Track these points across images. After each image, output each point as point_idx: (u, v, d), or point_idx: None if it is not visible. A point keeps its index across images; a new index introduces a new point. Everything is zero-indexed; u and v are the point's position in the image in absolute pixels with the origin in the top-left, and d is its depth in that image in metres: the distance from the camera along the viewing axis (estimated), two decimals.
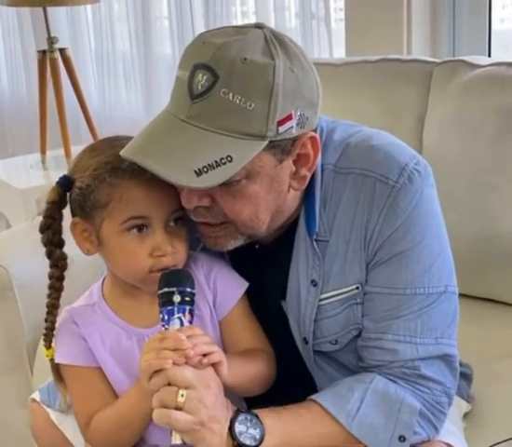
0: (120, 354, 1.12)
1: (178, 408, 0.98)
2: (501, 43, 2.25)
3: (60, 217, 1.12)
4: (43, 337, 1.17)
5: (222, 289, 1.15)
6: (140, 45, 3.03)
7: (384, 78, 1.78)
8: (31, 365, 1.73)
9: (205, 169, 0.97)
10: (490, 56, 2.11)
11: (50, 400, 1.32)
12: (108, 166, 1.06)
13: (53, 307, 1.15)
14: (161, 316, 1.04)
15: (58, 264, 1.12)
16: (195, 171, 0.97)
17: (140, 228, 1.07)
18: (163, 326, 1.03)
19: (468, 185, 1.64)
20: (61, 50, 2.73)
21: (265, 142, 1.00)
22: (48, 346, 1.16)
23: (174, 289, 1.03)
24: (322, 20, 2.49)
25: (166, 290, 1.04)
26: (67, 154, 2.75)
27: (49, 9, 2.72)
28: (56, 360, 1.14)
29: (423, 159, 1.14)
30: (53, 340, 1.15)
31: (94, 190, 1.06)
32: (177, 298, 1.03)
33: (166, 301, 1.04)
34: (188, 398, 0.98)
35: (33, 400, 1.35)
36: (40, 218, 1.11)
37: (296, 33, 2.56)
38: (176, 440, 0.99)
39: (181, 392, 0.98)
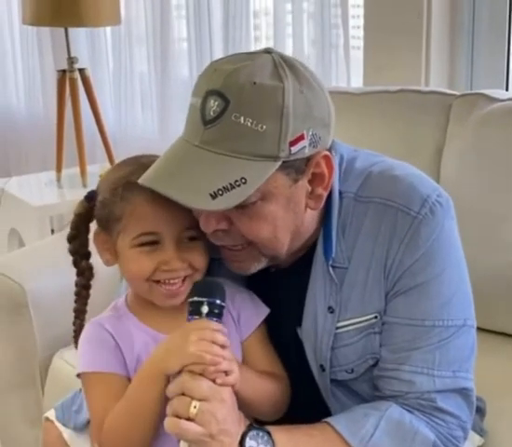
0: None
1: (189, 419, 0.98)
2: None
3: (87, 229, 1.17)
4: (73, 339, 1.19)
5: (245, 313, 1.16)
6: (157, 66, 3.05)
7: (402, 109, 1.79)
8: (42, 384, 1.72)
9: (220, 192, 0.99)
10: (507, 90, 2.12)
11: (65, 419, 1.32)
12: (123, 180, 1.09)
13: (80, 312, 1.19)
14: None
15: (84, 272, 1.17)
16: (211, 194, 0.99)
17: (151, 244, 1.08)
18: None
19: (484, 218, 1.64)
20: (81, 70, 2.76)
21: (279, 163, 1.01)
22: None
23: (204, 299, 1.04)
24: (340, 48, 2.51)
25: (196, 299, 1.04)
26: (82, 172, 2.77)
27: (69, 30, 2.75)
28: (79, 370, 1.11)
29: (444, 192, 1.15)
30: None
31: (110, 203, 1.10)
32: (205, 309, 1.03)
33: (194, 310, 1.04)
34: (200, 410, 0.99)
35: (47, 419, 1.35)
36: (67, 229, 1.17)
37: (312, 60, 2.58)
38: None
39: (194, 403, 0.99)
